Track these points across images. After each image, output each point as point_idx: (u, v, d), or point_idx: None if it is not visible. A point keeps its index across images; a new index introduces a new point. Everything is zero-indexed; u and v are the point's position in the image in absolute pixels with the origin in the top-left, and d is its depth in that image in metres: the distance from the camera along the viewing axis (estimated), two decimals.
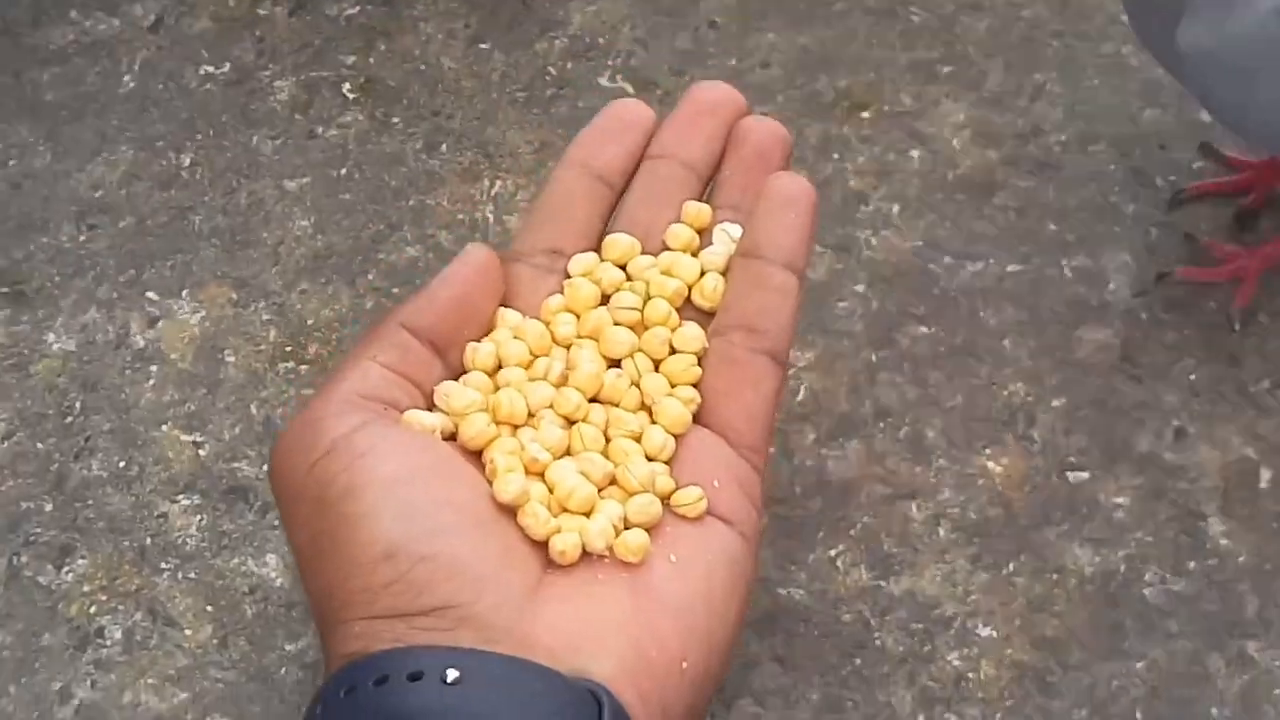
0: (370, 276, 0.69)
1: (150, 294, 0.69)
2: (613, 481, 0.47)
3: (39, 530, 0.62)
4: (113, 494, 0.63)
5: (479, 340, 0.49)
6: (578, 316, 0.49)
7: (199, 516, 0.62)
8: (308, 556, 0.44)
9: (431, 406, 0.47)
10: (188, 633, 0.59)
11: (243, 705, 0.58)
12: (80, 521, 0.62)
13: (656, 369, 0.49)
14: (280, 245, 0.70)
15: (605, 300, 0.50)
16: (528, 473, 0.46)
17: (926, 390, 0.65)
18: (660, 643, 0.43)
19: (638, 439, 0.47)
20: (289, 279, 0.69)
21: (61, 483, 0.63)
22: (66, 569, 0.61)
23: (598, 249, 0.51)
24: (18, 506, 0.63)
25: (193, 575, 0.61)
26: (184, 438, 0.64)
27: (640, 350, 0.49)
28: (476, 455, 0.46)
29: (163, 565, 0.61)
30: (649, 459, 0.47)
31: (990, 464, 0.63)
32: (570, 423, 0.47)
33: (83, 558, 0.62)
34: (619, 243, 0.50)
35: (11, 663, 0.59)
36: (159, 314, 0.68)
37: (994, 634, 0.59)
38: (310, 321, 0.68)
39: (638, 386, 0.48)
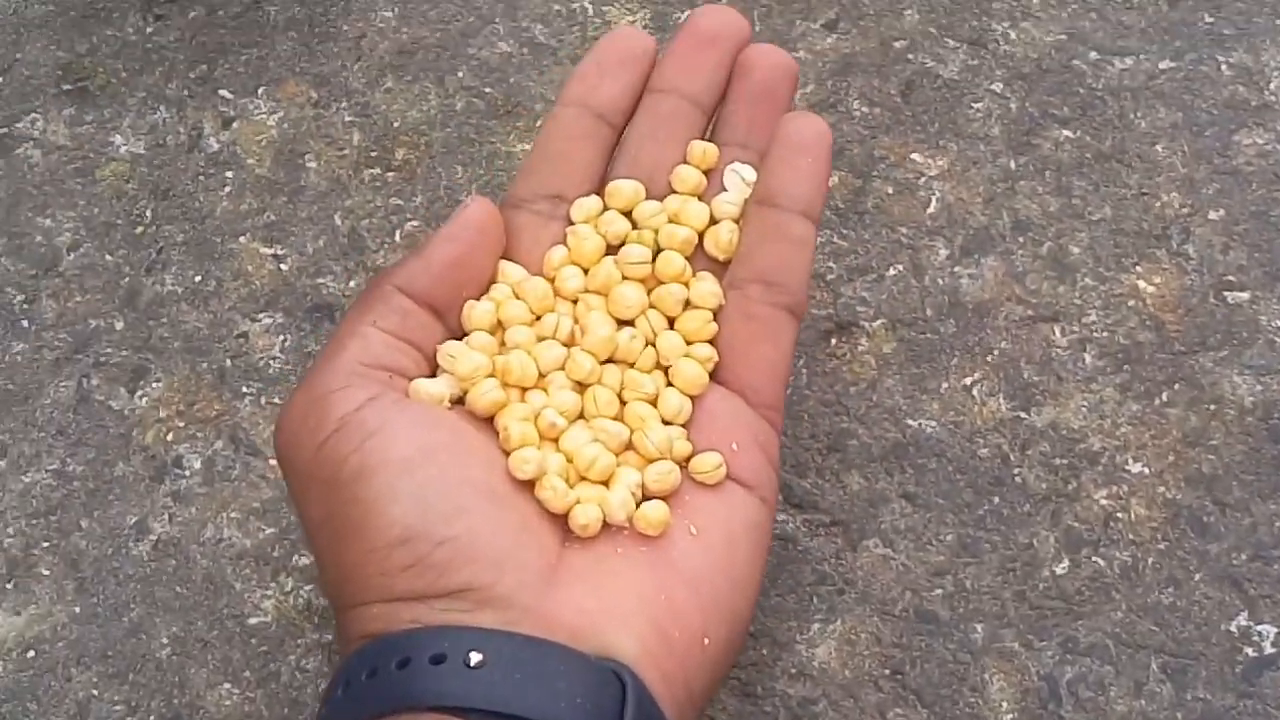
0: (460, 74, 0.64)
1: (223, 92, 0.64)
2: (628, 446, 0.46)
3: (109, 350, 0.58)
4: (188, 311, 0.59)
5: (478, 298, 0.47)
6: (584, 271, 0.48)
7: (282, 336, 0.58)
8: (321, 537, 0.43)
9: (435, 369, 0.46)
10: (273, 463, 0.55)
11: None
12: (154, 341, 0.58)
13: (670, 325, 0.48)
14: (362, 39, 0.65)
15: (611, 250, 0.48)
16: (542, 438, 0.45)
17: (1070, 201, 0.59)
18: (682, 621, 0.43)
19: (653, 402, 0.46)
20: (372, 76, 0.64)
21: (133, 299, 0.59)
22: (140, 393, 0.57)
23: (600, 191, 0.49)
24: (86, 324, 0.59)
25: (276, 400, 0.57)
26: (264, 250, 0.60)
27: (653, 307, 0.48)
28: (486, 419, 0.46)
29: (244, 389, 0.57)
30: (665, 422, 0.46)
31: (1141, 283, 0.57)
32: (582, 386, 0.46)
33: (157, 380, 0.57)
34: (623, 190, 0.49)
35: (83, 494, 0.55)
36: (233, 114, 0.63)
37: (1145, 470, 0.54)
38: (396, 124, 0.62)
39: (652, 345, 0.47)
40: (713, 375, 0.47)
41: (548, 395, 0.46)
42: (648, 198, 0.49)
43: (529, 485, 0.44)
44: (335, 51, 0.65)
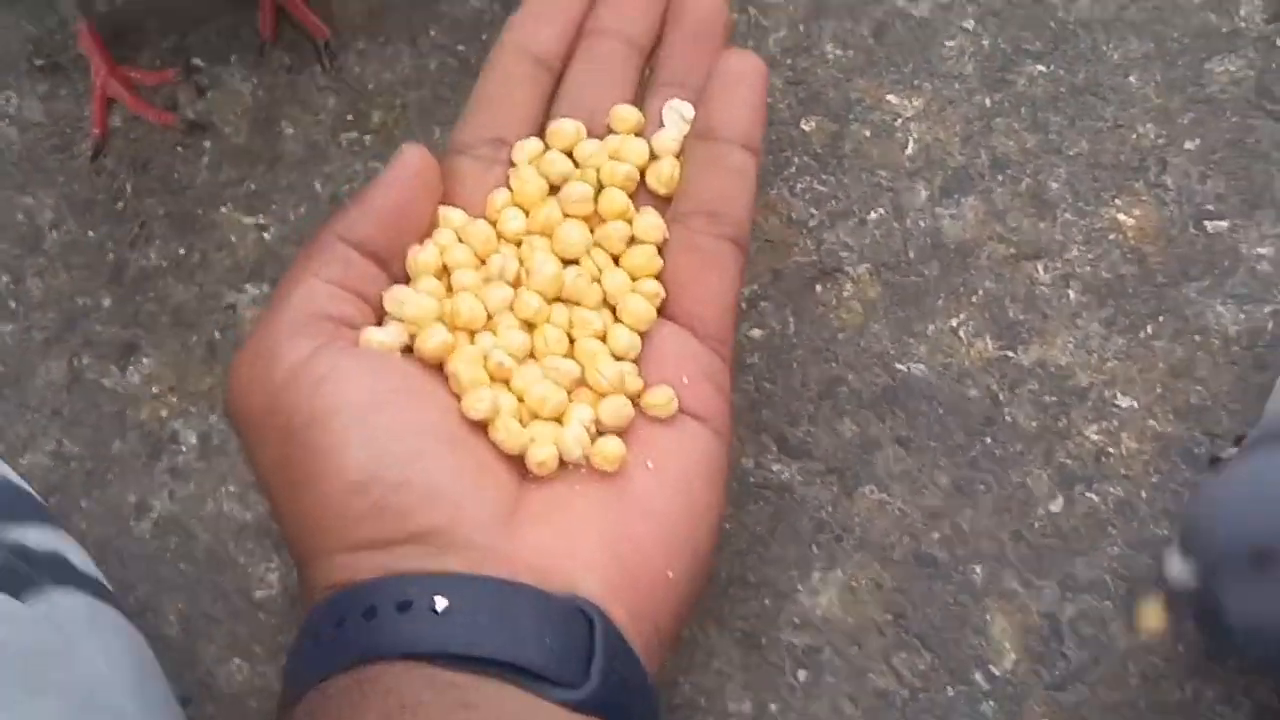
0: (432, 33, 0.63)
1: (196, 60, 0.63)
2: (580, 383, 0.46)
3: (99, 328, 0.58)
4: (175, 285, 0.59)
5: (421, 244, 0.47)
6: (526, 212, 0.47)
7: None
8: (277, 489, 0.43)
9: (382, 318, 0.46)
10: None
11: None
12: (142, 316, 0.58)
13: (616, 262, 0.47)
14: (331, 1, 0.64)
15: (554, 191, 0.48)
16: (493, 380, 0.45)
17: (1047, 136, 0.59)
18: (645, 555, 0.43)
19: (603, 338, 0.46)
20: (344, 39, 0.63)
21: (119, 274, 0.59)
22: (131, 369, 0.57)
23: (542, 135, 0.49)
24: (73, 302, 0.59)
25: None
26: (246, 220, 0.60)
27: (598, 245, 0.47)
28: (437, 365, 0.45)
29: None
30: (616, 359, 0.46)
31: (1121, 216, 0.58)
32: (530, 326, 0.46)
33: (148, 356, 0.58)
34: (564, 130, 0.49)
35: (80, 475, 0.56)
36: (207, 82, 0.63)
37: (1134, 404, 0.55)
38: (371, 86, 0.62)
39: (598, 283, 0.47)
40: (660, 310, 0.47)
41: (497, 336, 0.46)
42: (589, 138, 0.49)
43: (483, 428, 0.44)
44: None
